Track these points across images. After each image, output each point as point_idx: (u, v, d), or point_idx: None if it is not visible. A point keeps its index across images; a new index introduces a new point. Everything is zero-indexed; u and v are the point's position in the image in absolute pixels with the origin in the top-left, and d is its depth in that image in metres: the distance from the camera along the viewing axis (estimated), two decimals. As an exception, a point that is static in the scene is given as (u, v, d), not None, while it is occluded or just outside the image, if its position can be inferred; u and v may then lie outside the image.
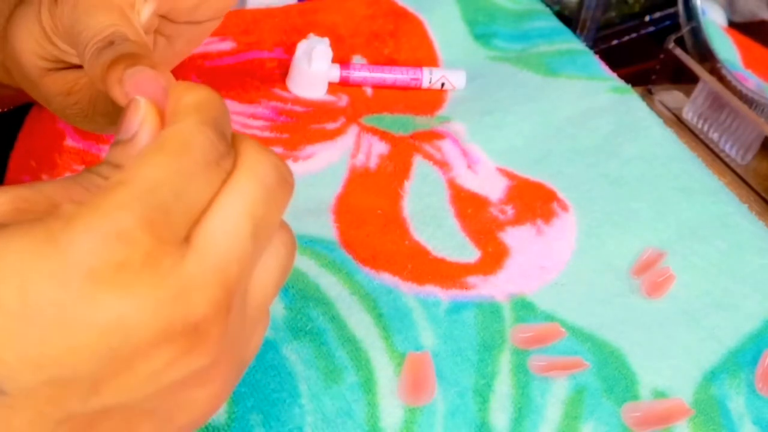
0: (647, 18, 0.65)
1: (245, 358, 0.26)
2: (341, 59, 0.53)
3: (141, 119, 0.26)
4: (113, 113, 0.37)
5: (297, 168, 0.46)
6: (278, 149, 0.47)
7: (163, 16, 0.37)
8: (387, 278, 0.41)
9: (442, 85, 0.53)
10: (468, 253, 0.44)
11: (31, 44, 0.36)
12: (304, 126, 0.49)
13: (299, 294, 0.40)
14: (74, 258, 0.22)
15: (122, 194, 0.23)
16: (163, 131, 0.24)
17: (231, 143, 0.25)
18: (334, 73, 0.51)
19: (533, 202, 0.47)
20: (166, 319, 0.23)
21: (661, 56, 0.57)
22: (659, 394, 0.39)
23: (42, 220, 0.23)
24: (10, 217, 0.24)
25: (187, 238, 0.23)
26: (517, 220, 0.45)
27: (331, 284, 0.40)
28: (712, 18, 0.57)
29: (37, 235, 0.22)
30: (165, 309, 0.23)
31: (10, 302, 0.22)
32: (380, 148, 0.48)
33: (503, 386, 0.38)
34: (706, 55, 0.56)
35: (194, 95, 0.25)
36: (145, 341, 0.22)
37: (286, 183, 0.25)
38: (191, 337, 0.23)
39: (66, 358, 0.22)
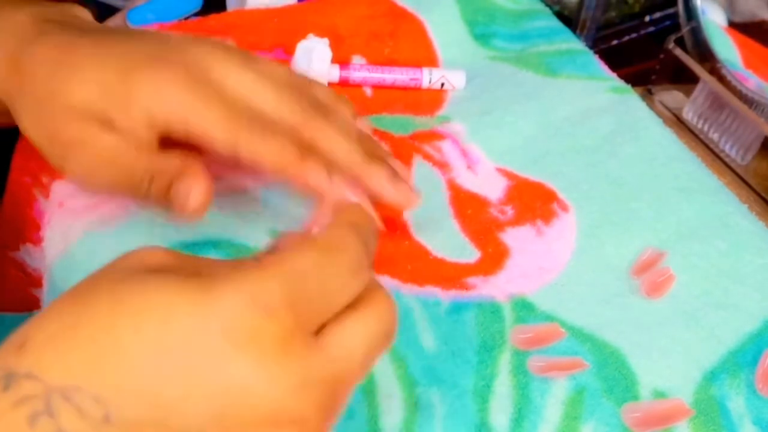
0: (647, 18, 0.65)
1: None
2: (341, 59, 0.53)
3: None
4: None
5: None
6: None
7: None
8: (387, 279, 0.41)
9: (442, 85, 0.53)
10: (468, 253, 0.44)
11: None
12: (304, 126, 0.49)
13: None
14: (219, 312, 0.23)
15: (274, 270, 0.24)
16: (322, 234, 0.27)
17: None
18: (334, 73, 0.51)
19: (533, 202, 0.47)
20: (285, 403, 0.23)
21: (661, 56, 0.57)
22: (659, 395, 0.39)
23: (198, 273, 0.24)
24: (164, 263, 0.26)
25: (315, 333, 0.25)
26: (517, 221, 0.46)
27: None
28: (712, 18, 0.57)
29: (190, 283, 0.23)
30: (287, 393, 0.23)
31: (148, 333, 0.23)
32: (380, 148, 0.48)
33: (503, 387, 0.38)
34: (706, 55, 0.56)
35: (352, 213, 0.28)
36: (259, 416, 0.23)
37: (391, 337, 0.28)
38: (297, 428, 0.24)
39: (180, 404, 0.22)
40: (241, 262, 0.26)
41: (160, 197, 0.36)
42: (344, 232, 0.27)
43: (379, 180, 0.39)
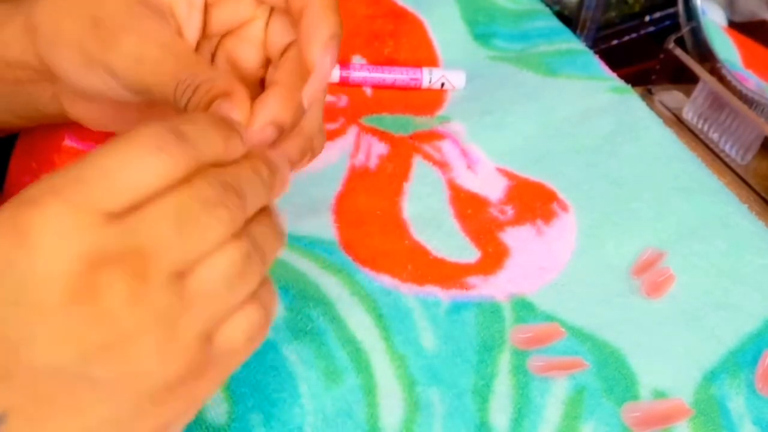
0: (647, 18, 0.65)
1: (198, 388, 0.26)
2: (341, 59, 0.53)
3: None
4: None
5: (297, 168, 0.46)
6: (278, 149, 0.47)
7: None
8: (387, 279, 0.41)
9: (442, 85, 0.53)
10: (468, 253, 0.44)
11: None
12: (304, 126, 0.49)
13: (299, 294, 0.40)
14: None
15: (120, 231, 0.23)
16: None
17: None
18: (334, 73, 0.51)
19: (533, 202, 0.47)
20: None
21: (661, 56, 0.57)
22: (659, 394, 0.39)
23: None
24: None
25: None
26: (517, 221, 0.45)
27: (331, 285, 0.40)
28: (712, 18, 0.57)
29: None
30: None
31: None
32: (380, 148, 0.48)
33: (503, 386, 0.38)
34: (706, 55, 0.56)
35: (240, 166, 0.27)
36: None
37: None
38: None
39: None
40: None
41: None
42: (218, 191, 0.25)
43: None
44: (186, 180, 0.25)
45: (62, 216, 0.23)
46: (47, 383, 0.23)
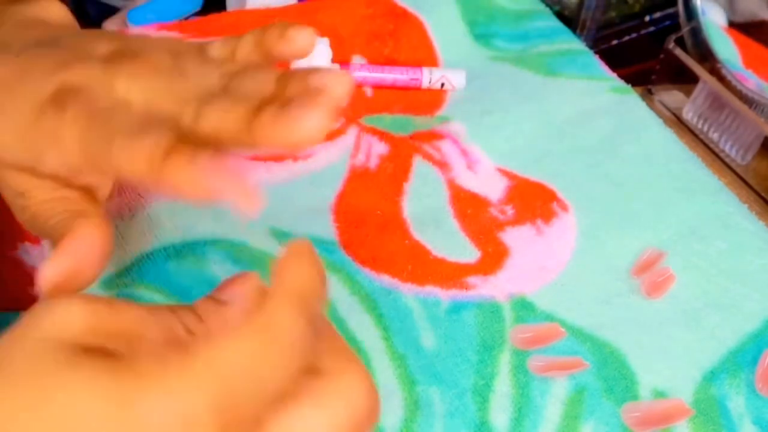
0: (647, 18, 0.65)
1: None
2: (341, 59, 0.53)
3: (245, 293, 0.26)
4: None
5: (296, 167, 0.46)
6: (278, 149, 0.47)
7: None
8: (387, 279, 0.41)
9: (442, 85, 0.53)
10: (468, 253, 0.44)
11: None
12: (303, 126, 0.48)
13: (299, 294, 0.40)
14: (136, 424, 0.22)
15: (200, 371, 0.22)
16: (259, 314, 0.23)
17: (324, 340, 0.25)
18: (334, 73, 0.51)
19: (533, 202, 0.47)
20: None
21: (661, 56, 0.57)
22: (659, 394, 0.39)
23: (121, 356, 0.23)
24: (85, 338, 0.24)
25: (258, 421, 0.23)
26: (517, 221, 0.45)
27: (331, 285, 0.40)
28: (712, 18, 0.57)
29: (107, 383, 0.22)
30: None
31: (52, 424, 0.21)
32: (380, 148, 0.48)
33: (503, 386, 0.38)
34: (706, 55, 0.56)
35: (298, 279, 0.24)
36: None
37: (374, 414, 0.25)
38: None
39: None
40: (169, 349, 0.23)
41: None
42: (285, 312, 0.23)
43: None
44: None
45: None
46: None
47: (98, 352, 0.24)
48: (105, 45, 0.31)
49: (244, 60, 0.32)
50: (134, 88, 0.30)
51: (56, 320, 0.24)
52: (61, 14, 0.38)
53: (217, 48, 0.32)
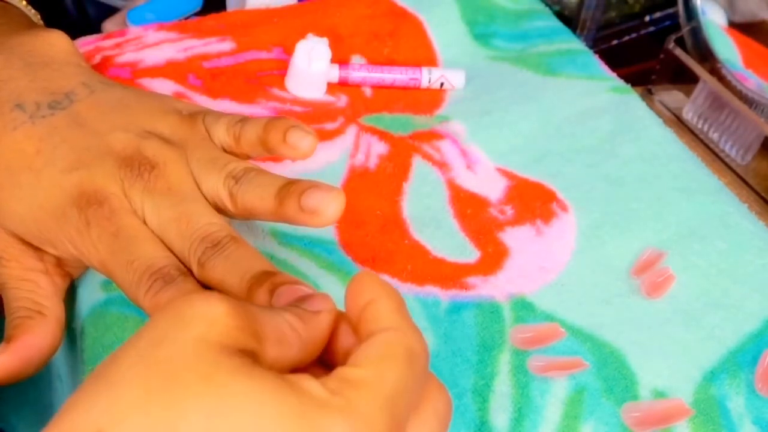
0: (647, 18, 0.66)
1: None
2: (340, 59, 0.53)
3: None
4: None
5: (296, 167, 0.46)
6: (278, 149, 0.47)
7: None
8: (386, 279, 0.41)
9: (441, 84, 0.53)
10: (468, 253, 0.43)
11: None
12: (303, 126, 0.48)
13: (298, 294, 0.40)
14: None
15: (374, 396, 0.24)
16: (382, 337, 0.26)
17: None
18: (333, 73, 0.51)
19: (533, 202, 0.46)
20: None
21: (661, 56, 0.57)
22: (659, 394, 0.39)
23: (299, 389, 0.23)
24: (229, 338, 0.24)
25: None
26: (517, 221, 0.45)
27: (330, 284, 0.40)
28: (712, 18, 0.57)
29: (292, 403, 0.22)
30: None
31: None
32: (379, 148, 0.48)
33: (503, 386, 0.38)
34: (706, 55, 0.56)
35: (390, 302, 0.28)
36: None
37: (450, 413, 0.28)
38: None
39: None
40: (340, 375, 0.24)
41: None
42: (407, 333, 0.26)
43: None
44: None
45: None
46: None
47: (248, 354, 0.24)
48: (120, 137, 0.36)
49: (248, 147, 0.38)
50: (147, 205, 0.35)
51: (205, 320, 0.24)
52: (65, 48, 0.41)
53: (222, 134, 0.38)
